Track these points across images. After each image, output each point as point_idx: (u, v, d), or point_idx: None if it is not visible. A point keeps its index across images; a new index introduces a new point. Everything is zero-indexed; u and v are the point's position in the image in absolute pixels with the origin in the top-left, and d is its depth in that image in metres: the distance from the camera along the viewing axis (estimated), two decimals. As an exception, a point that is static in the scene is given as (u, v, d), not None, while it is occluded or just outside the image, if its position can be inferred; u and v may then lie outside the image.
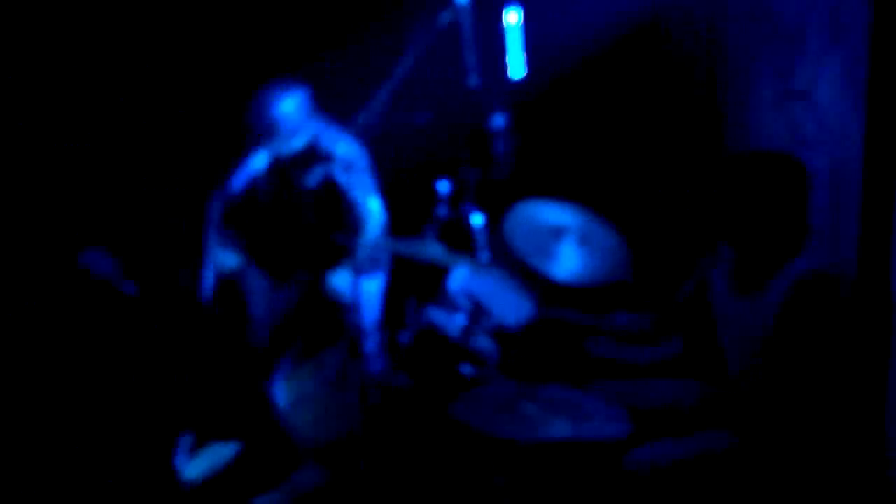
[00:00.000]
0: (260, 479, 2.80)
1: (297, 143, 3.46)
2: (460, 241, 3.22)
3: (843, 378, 2.44)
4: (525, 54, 3.35)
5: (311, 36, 4.48)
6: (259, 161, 3.44)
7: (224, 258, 3.60)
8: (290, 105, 3.36)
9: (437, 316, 3.08)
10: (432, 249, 2.74)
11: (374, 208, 3.60)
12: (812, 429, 2.32)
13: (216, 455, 3.15)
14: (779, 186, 2.33)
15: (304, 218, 3.75)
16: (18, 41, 4.14)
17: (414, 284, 3.55)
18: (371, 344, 3.77)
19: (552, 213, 3.04)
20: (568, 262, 2.96)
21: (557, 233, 3.00)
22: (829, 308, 2.27)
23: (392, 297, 3.88)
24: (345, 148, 3.37)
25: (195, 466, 3.04)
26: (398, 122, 4.60)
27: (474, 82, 2.58)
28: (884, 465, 1.57)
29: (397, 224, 3.84)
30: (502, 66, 3.34)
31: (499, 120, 3.54)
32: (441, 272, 3.35)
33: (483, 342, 3.08)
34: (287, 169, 3.55)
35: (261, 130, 3.37)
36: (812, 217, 2.37)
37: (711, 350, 2.63)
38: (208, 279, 3.47)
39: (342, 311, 3.76)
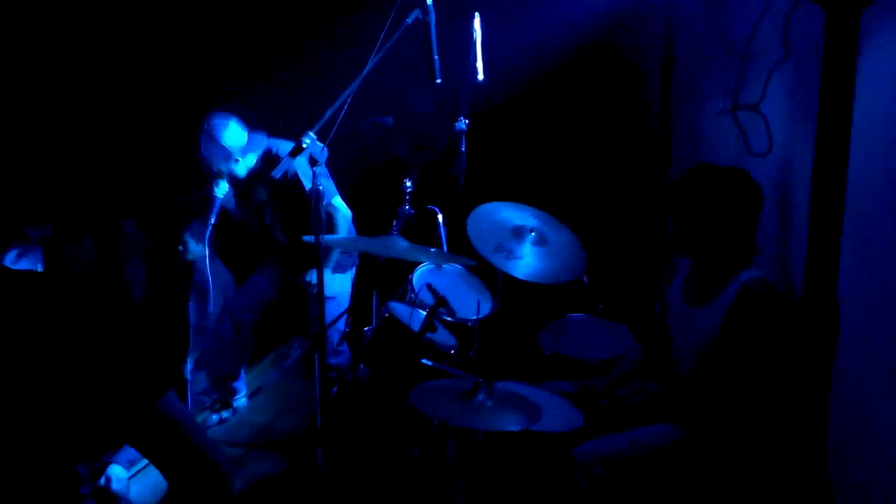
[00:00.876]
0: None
1: (250, 161, 3.76)
2: (423, 238, 3.27)
3: (787, 380, 2.56)
4: (488, 61, 3.42)
5: (276, 36, 4.53)
6: (222, 189, 3.72)
7: (191, 243, 3.89)
8: (231, 133, 3.66)
9: (400, 310, 3.12)
10: (396, 246, 2.79)
11: (339, 206, 3.73)
12: (754, 427, 2.44)
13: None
14: (732, 202, 2.43)
15: (269, 219, 3.83)
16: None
17: (377, 279, 3.60)
18: (334, 337, 3.82)
19: (512, 214, 3.11)
20: (527, 261, 3.03)
21: (517, 233, 3.07)
22: (772, 315, 2.38)
23: (356, 292, 3.93)
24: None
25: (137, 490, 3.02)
26: (362, 123, 4.67)
27: (439, 81, 2.64)
28: (823, 465, 1.67)
29: (363, 221, 3.90)
30: (464, 71, 3.41)
31: (460, 123, 3.61)
32: (404, 268, 3.40)
33: (444, 336, 3.14)
34: (248, 185, 3.82)
35: (216, 164, 3.69)
36: (761, 229, 2.49)
37: (664, 353, 2.73)
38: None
39: (306, 305, 3.80)
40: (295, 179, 3.64)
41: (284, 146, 3.75)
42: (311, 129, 2.33)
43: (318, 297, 2.43)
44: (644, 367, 3.02)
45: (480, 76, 3.35)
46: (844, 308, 1.54)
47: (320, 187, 2.33)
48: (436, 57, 2.54)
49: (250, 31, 4.56)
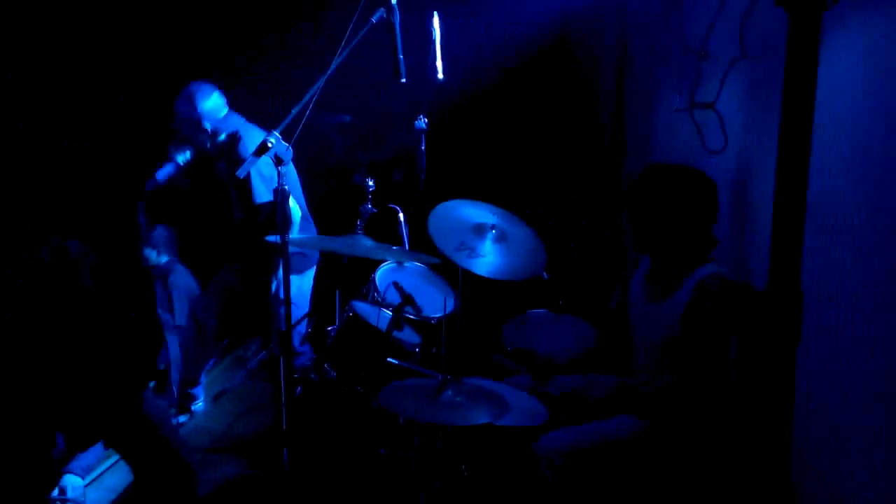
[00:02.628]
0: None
1: (219, 138, 3.70)
2: (384, 237, 3.27)
3: (749, 371, 2.63)
4: (447, 60, 3.43)
5: (241, 32, 4.48)
6: (183, 157, 3.65)
7: (150, 255, 3.88)
8: (210, 103, 3.62)
9: (364, 309, 3.11)
10: (361, 244, 2.78)
11: (290, 207, 3.71)
12: (713, 418, 2.49)
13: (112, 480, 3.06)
14: (687, 200, 2.48)
15: (229, 215, 3.77)
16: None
17: (339, 278, 3.58)
18: (295, 339, 3.78)
19: (473, 212, 3.13)
20: (488, 259, 3.05)
21: (478, 230, 3.09)
22: (727, 310, 2.44)
23: (319, 291, 3.90)
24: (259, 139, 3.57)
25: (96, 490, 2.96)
26: (323, 121, 4.64)
27: (404, 80, 2.64)
28: (786, 455, 1.73)
29: (323, 220, 3.87)
30: (423, 70, 3.41)
31: (420, 121, 3.61)
32: (366, 267, 3.39)
33: (409, 334, 3.14)
34: (210, 163, 3.76)
35: (185, 128, 3.62)
36: (718, 225, 2.55)
37: (622, 346, 2.78)
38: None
39: (266, 307, 3.76)
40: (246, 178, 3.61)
41: (255, 135, 3.67)
42: (275, 128, 2.30)
43: (286, 297, 2.41)
44: (600, 358, 3.07)
45: (440, 75, 3.36)
46: (806, 299, 1.59)
47: (286, 186, 2.31)
48: (400, 56, 2.54)
49: (211, 31, 4.50)
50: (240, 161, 3.55)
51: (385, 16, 2.43)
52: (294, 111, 2.39)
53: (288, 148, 2.31)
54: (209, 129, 3.63)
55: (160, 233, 4.07)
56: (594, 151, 4.52)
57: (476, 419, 2.34)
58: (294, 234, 3.72)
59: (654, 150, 3.78)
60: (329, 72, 2.36)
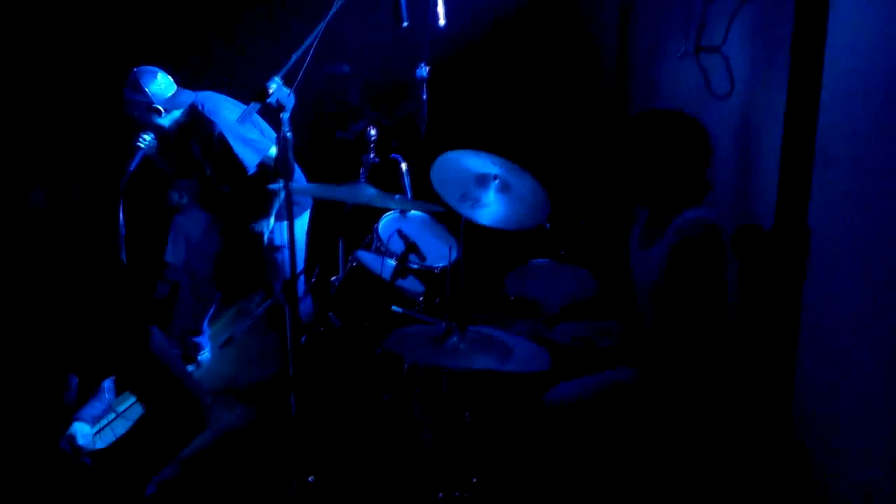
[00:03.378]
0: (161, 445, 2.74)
1: (174, 116, 3.72)
2: (387, 186, 3.25)
3: (750, 314, 2.63)
4: (445, 6, 3.36)
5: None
6: (144, 142, 3.71)
7: (173, 196, 3.94)
8: (155, 84, 3.65)
9: (368, 258, 3.12)
10: (364, 193, 2.77)
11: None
12: (709, 365, 2.50)
13: (121, 419, 3.10)
14: (675, 145, 2.44)
15: (210, 170, 3.79)
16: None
17: (344, 227, 3.57)
18: (299, 286, 3.80)
19: (475, 162, 3.11)
20: (491, 208, 3.04)
21: (481, 180, 3.07)
22: (709, 253, 2.43)
23: (323, 240, 3.90)
24: (229, 108, 3.72)
25: (101, 434, 3.00)
26: (323, 71, 4.59)
27: (406, 24, 2.60)
28: (789, 402, 1.73)
29: (329, 169, 3.85)
30: (423, 16, 3.36)
31: (422, 70, 3.57)
32: (368, 216, 3.39)
33: (412, 283, 3.15)
34: (178, 140, 3.80)
35: (137, 113, 3.66)
36: (716, 169, 2.52)
37: (625, 296, 2.78)
38: None
39: (266, 255, 3.77)
40: (221, 137, 3.62)
41: (213, 99, 3.73)
42: (275, 74, 2.27)
43: (290, 246, 2.41)
44: (602, 306, 3.08)
45: (442, 21, 3.31)
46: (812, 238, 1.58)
47: (288, 134, 2.29)
48: (403, 5, 2.49)
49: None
50: (210, 136, 3.59)
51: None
52: (294, 57, 2.35)
53: (290, 93, 2.28)
54: (161, 109, 3.65)
55: (184, 180, 4.08)
56: (597, 98, 4.48)
57: (480, 364, 2.36)
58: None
59: (659, 96, 3.73)
60: (329, 15, 2.32)
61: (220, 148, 3.62)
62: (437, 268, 3.26)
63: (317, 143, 4.00)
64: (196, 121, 3.68)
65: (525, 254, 3.38)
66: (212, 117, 3.63)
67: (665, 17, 3.58)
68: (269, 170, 3.66)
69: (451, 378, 2.80)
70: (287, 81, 2.34)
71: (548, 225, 3.30)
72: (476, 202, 3.02)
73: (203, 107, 3.68)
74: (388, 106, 4.48)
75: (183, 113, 3.72)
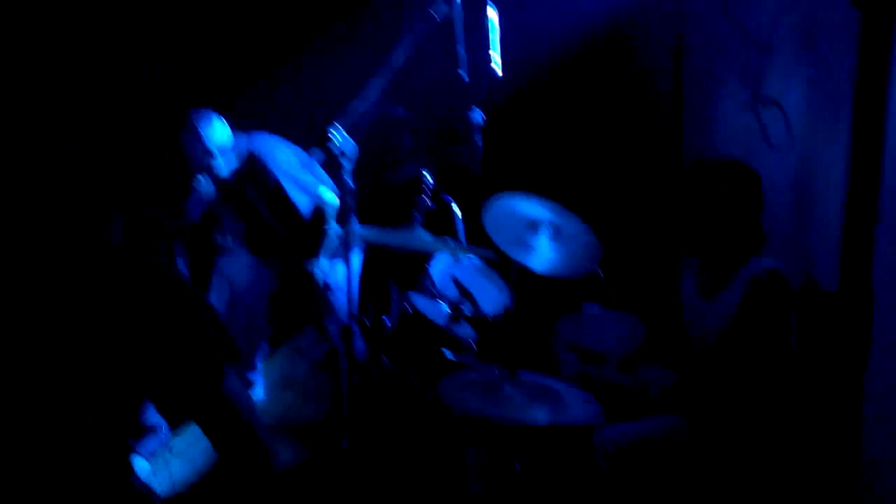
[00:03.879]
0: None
1: (232, 160, 3.80)
2: (439, 229, 3.29)
3: (812, 372, 2.58)
4: (501, 54, 3.42)
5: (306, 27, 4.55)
6: (206, 185, 3.81)
7: (218, 237, 4.01)
8: (213, 129, 3.72)
9: (421, 301, 3.14)
10: (420, 238, 2.80)
11: (325, 196, 3.80)
12: (771, 418, 2.46)
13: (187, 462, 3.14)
14: (731, 194, 2.43)
15: (265, 216, 3.87)
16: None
17: (397, 270, 3.62)
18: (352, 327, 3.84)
19: (528, 207, 3.13)
20: (543, 254, 3.05)
21: (533, 226, 3.08)
22: (781, 306, 2.40)
23: (375, 283, 3.95)
24: (284, 151, 3.80)
25: (164, 476, 3.04)
26: (381, 114, 4.68)
27: (464, 76, 2.65)
28: (858, 460, 1.69)
29: (383, 213, 3.92)
30: (480, 64, 3.41)
31: (476, 115, 3.62)
32: (423, 259, 3.42)
33: (464, 328, 3.16)
34: (235, 184, 3.88)
35: (195, 158, 3.74)
36: (771, 220, 2.50)
37: (679, 345, 2.75)
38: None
39: (319, 296, 3.83)
40: (277, 182, 3.68)
41: (268, 143, 3.81)
42: (337, 120, 2.33)
43: (348, 287, 2.45)
44: (654, 354, 3.05)
45: (498, 68, 3.36)
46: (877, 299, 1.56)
47: (349, 180, 2.34)
48: (461, 51, 2.55)
49: (271, 26, 4.58)
50: (265, 180, 3.66)
51: (447, 11, 2.45)
52: (355, 105, 2.42)
53: (350, 141, 2.34)
54: (216, 153, 3.71)
55: (231, 222, 4.17)
56: (650, 145, 4.47)
57: (534, 418, 2.35)
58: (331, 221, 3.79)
59: (714, 144, 3.72)
60: (392, 65, 2.38)
61: (275, 193, 3.70)
62: (488, 313, 3.26)
63: (366, 184, 4.07)
64: (251, 165, 3.77)
65: (577, 299, 3.37)
66: (267, 163, 3.71)
67: (721, 62, 3.58)
68: (324, 213, 3.73)
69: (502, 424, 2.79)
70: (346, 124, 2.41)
71: (600, 272, 3.29)
72: (528, 248, 3.03)
73: (258, 151, 3.77)
74: (441, 150, 4.54)
75: (238, 157, 3.81)
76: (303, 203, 3.72)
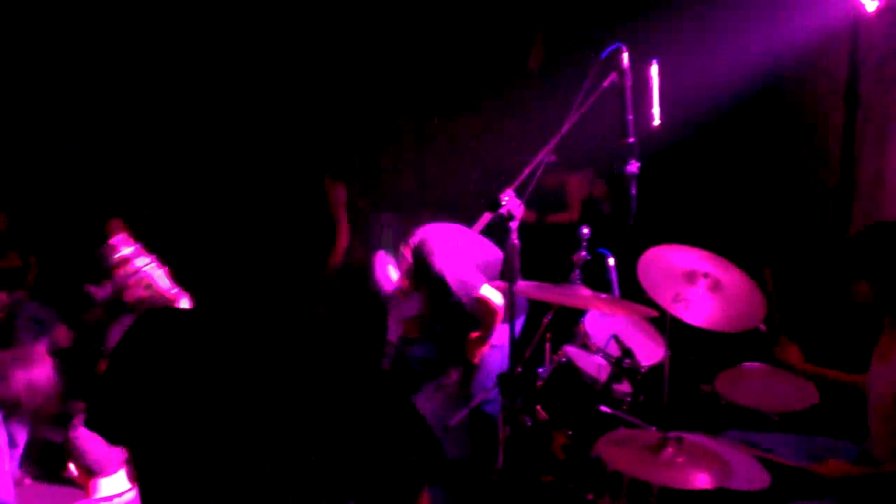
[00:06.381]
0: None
1: (394, 275, 4.06)
2: (592, 280, 3.30)
3: None
4: (659, 106, 3.42)
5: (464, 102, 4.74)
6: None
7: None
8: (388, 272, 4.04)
9: (577, 354, 3.16)
10: (580, 295, 2.83)
11: (488, 294, 3.83)
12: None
13: None
14: None
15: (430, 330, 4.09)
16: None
17: (553, 322, 3.64)
18: (487, 381, 3.90)
19: (684, 258, 3.09)
20: (700, 307, 2.99)
21: (689, 277, 3.04)
22: None
23: (531, 334, 4.00)
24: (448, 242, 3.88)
25: None
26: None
27: (631, 140, 2.70)
28: None
29: (542, 270, 3.97)
30: (639, 116, 3.43)
31: (631, 165, 3.61)
32: (578, 311, 3.44)
33: (621, 383, 3.14)
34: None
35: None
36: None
37: (855, 412, 2.63)
38: None
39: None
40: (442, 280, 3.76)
41: (433, 238, 3.86)
42: (508, 187, 2.43)
43: (510, 342, 2.52)
44: (822, 417, 2.91)
45: (657, 122, 3.36)
46: None
47: (516, 241, 2.42)
48: (629, 117, 2.60)
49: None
50: (431, 276, 3.74)
51: (617, 80, 2.50)
52: (527, 171, 2.51)
53: (520, 204, 2.42)
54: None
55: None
56: (817, 195, 4.29)
57: (697, 483, 2.31)
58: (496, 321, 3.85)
59: (889, 194, 3.54)
60: (561, 133, 2.45)
61: (439, 289, 3.78)
62: (643, 366, 3.23)
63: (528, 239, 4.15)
64: (419, 263, 3.84)
65: (737, 355, 3.27)
66: (432, 261, 3.76)
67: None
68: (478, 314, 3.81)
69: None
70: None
71: (763, 327, 3.19)
72: (685, 301, 2.99)
73: (424, 249, 3.81)
74: (596, 201, 4.56)
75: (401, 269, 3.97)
76: (461, 304, 3.80)
